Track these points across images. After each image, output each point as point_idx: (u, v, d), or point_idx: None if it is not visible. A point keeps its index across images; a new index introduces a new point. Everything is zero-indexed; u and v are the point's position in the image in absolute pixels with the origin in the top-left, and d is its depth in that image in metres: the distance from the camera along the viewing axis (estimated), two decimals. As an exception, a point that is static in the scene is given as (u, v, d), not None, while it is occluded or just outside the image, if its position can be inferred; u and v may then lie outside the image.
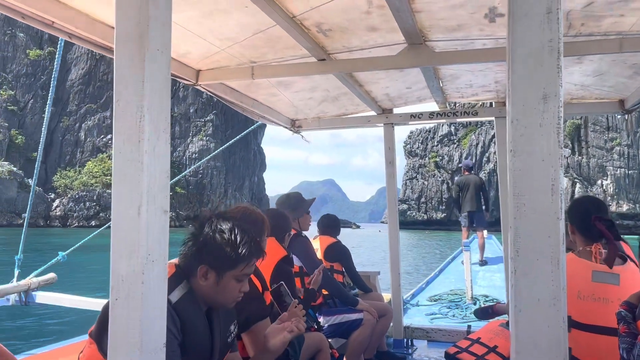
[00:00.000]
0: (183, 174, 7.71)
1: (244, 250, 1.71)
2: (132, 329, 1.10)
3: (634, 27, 2.52)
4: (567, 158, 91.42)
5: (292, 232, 3.55)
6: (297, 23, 2.62)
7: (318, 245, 4.40)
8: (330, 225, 4.62)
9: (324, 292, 3.88)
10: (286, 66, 3.32)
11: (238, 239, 1.72)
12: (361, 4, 2.44)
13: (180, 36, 2.75)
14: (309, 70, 3.28)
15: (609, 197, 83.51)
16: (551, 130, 1.02)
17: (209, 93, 3.70)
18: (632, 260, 2.41)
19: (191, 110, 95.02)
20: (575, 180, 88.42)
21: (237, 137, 6.05)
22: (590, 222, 2.38)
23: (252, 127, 6.35)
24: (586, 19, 2.46)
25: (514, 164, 1.04)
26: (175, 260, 1.77)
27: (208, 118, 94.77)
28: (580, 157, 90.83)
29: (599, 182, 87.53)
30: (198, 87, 3.49)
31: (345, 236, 4.80)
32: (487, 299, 6.65)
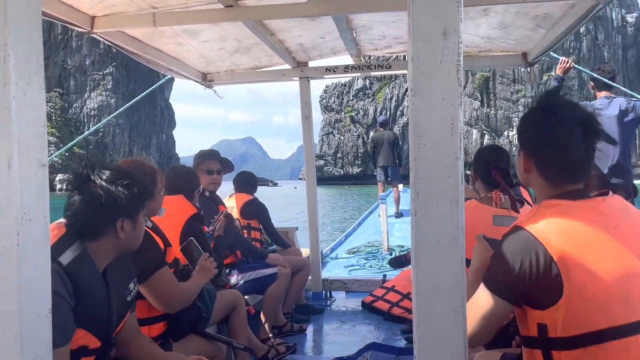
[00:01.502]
0: (84, 134, 7.17)
1: (144, 186, 1.79)
2: (8, 295, 1.01)
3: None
4: (476, 110, 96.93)
5: None
6: (198, -38, 2.47)
7: (234, 203, 4.37)
8: (246, 183, 4.59)
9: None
10: (191, 13, 3.13)
11: (134, 177, 1.75)
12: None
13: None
14: (215, 17, 3.13)
15: (514, 147, 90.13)
16: (451, 68, 1.03)
17: (107, 43, 3.42)
18: (528, 203, 2.63)
19: (87, 62, 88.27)
20: (484, 132, 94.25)
21: (144, 93, 5.69)
22: (489, 171, 2.57)
23: (160, 82, 6.01)
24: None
25: (415, 104, 1.04)
26: (64, 221, 1.67)
27: (107, 71, 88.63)
28: (488, 109, 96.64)
29: (506, 133, 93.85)
30: (94, 36, 3.20)
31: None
32: (402, 249, 6.99)
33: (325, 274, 5.36)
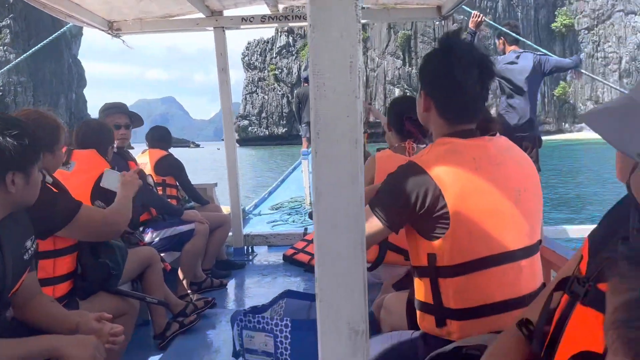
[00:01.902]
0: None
1: (36, 137, 1.67)
2: None
3: None
4: (398, 69, 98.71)
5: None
6: None
7: (147, 159, 4.23)
8: (160, 139, 4.44)
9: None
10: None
11: (25, 127, 1.64)
12: None
13: None
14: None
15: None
16: (349, 4, 1.02)
17: None
18: None
19: (-20, 13, 79.92)
20: (406, 90, 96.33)
21: (44, 42, 5.22)
22: (403, 122, 2.65)
23: (62, 30, 5.54)
24: None
25: (314, 40, 1.03)
26: None
27: (4, 23, 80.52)
28: (410, 68, 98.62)
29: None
30: None
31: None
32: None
33: (248, 230, 5.39)
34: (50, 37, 5.11)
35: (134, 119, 3.78)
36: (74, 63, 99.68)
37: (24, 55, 5.48)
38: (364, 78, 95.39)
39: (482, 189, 1.54)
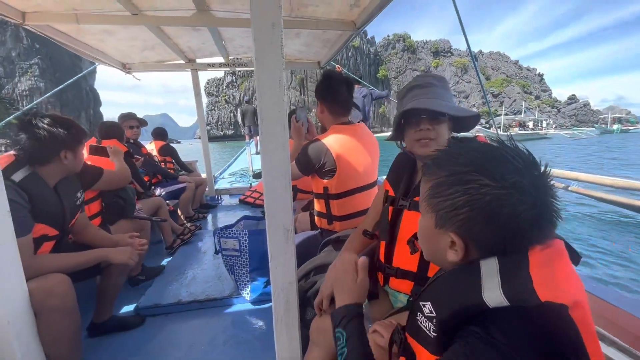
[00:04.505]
0: (22, 110, 5.23)
1: (80, 128, 1.51)
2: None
3: (324, 15, 2.68)
4: (297, 97, 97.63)
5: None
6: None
7: (153, 147, 3.93)
8: (160, 134, 4.13)
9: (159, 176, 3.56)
10: (106, 16, 2.52)
11: (71, 123, 1.48)
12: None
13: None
14: (124, 21, 2.57)
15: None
16: (277, 57, 1.02)
17: (39, 33, 2.57)
18: None
19: (13, 54, 63.92)
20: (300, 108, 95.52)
21: (71, 80, 4.36)
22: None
23: (86, 71, 4.67)
24: (299, 5, 2.51)
25: (260, 79, 1.04)
26: (12, 152, 1.37)
27: (33, 61, 65.34)
28: (303, 96, 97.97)
29: (313, 110, 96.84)
30: (27, 27, 2.37)
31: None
32: (260, 170, 7.02)
33: (217, 186, 5.20)
34: (77, 76, 4.35)
35: (141, 122, 3.46)
36: (90, 90, 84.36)
37: (57, 88, 4.58)
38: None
39: (354, 151, 1.55)
